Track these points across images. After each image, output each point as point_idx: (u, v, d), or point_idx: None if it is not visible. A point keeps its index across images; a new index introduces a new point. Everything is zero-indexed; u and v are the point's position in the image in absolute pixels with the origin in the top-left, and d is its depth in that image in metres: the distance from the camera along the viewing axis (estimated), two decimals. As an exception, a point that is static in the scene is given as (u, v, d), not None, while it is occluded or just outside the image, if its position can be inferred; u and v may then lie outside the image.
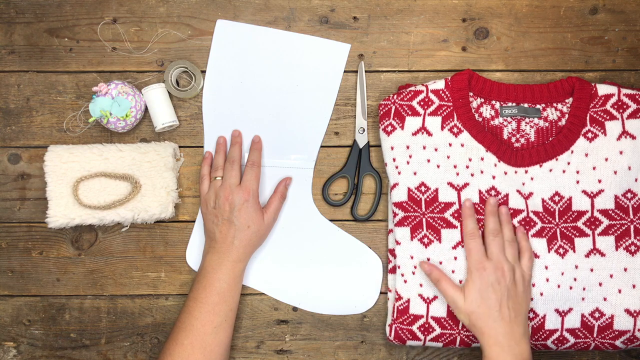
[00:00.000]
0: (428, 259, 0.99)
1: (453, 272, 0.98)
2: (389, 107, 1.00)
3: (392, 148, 1.00)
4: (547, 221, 0.98)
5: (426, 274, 0.98)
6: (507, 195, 0.98)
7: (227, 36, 1.04)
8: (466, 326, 0.95)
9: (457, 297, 0.94)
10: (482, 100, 1.00)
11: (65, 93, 1.04)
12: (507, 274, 0.93)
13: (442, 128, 0.99)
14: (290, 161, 1.04)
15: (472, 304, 0.93)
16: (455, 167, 0.99)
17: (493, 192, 0.98)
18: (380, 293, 1.03)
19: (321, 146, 1.04)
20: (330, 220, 1.04)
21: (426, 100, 1.00)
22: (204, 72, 1.04)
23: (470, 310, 0.93)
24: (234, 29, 1.04)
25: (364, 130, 1.03)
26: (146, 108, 1.03)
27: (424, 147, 0.99)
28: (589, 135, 0.98)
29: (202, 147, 1.04)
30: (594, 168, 0.97)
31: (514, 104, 1.00)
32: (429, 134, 0.99)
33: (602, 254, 0.97)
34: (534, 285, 0.97)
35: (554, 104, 1.00)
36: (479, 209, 0.98)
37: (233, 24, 1.04)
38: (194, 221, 1.04)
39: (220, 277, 0.96)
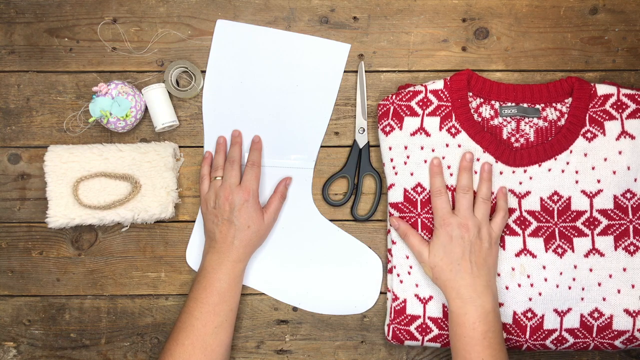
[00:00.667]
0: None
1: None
2: (387, 107, 1.00)
3: (390, 148, 1.00)
4: (544, 220, 0.98)
5: (394, 229, 0.99)
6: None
7: (227, 36, 1.04)
8: (431, 280, 0.96)
9: (422, 250, 0.96)
10: (482, 100, 1.00)
11: (65, 93, 1.04)
12: (472, 229, 0.93)
13: (441, 128, 0.99)
14: (290, 161, 1.04)
15: (435, 257, 0.94)
16: (449, 167, 0.99)
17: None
18: (380, 293, 1.03)
19: (321, 146, 1.04)
20: (330, 220, 1.04)
21: (425, 100, 1.00)
22: (204, 72, 1.04)
23: (434, 264, 0.94)
24: (234, 29, 1.04)
25: (364, 130, 1.03)
26: (146, 108, 1.03)
27: (422, 148, 0.99)
28: (588, 135, 0.98)
29: (202, 147, 1.04)
30: (593, 168, 0.97)
31: (513, 104, 1.00)
32: (427, 134, 0.99)
33: (601, 254, 0.97)
34: (532, 285, 0.97)
35: (554, 104, 1.00)
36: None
37: (233, 24, 1.04)
38: (194, 221, 1.04)
39: (221, 277, 0.96)
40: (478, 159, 0.98)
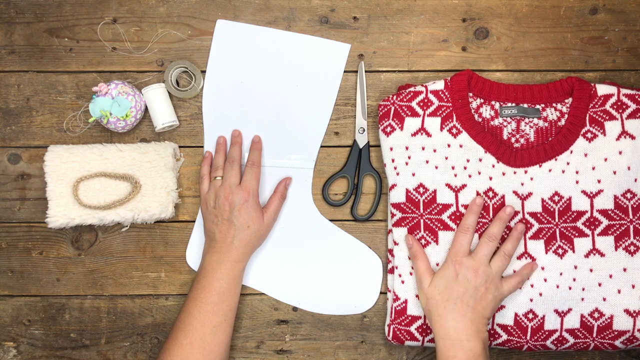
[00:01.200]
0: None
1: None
2: (388, 107, 1.00)
3: (391, 149, 1.00)
4: (545, 221, 0.98)
5: (407, 247, 0.98)
6: (503, 197, 0.98)
7: (227, 36, 1.04)
8: (423, 311, 0.96)
9: (424, 278, 0.95)
10: (482, 100, 1.00)
11: (65, 93, 1.04)
12: (481, 276, 0.92)
13: (442, 129, 0.99)
14: (290, 161, 1.04)
15: (434, 288, 0.93)
16: (453, 168, 0.99)
17: (490, 194, 0.98)
18: (380, 293, 1.03)
19: (321, 146, 1.04)
20: (330, 220, 1.04)
21: (425, 101, 1.00)
22: (204, 72, 1.04)
23: (431, 295, 0.93)
24: (234, 29, 1.04)
25: (364, 130, 1.03)
26: (146, 108, 1.03)
27: (423, 148, 0.99)
28: (589, 135, 0.98)
29: (202, 147, 1.04)
30: (593, 168, 0.97)
31: (513, 104, 1.00)
32: (428, 134, 0.99)
33: (602, 254, 0.97)
34: (532, 286, 0.97)
35: (554, 104, 1.00)
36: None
37: (233, 24, 1.04)
38: (194, 221, 1.04)
39: (220, 277, 0.96)
40: (480, 159, 0.98)
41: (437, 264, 0.98)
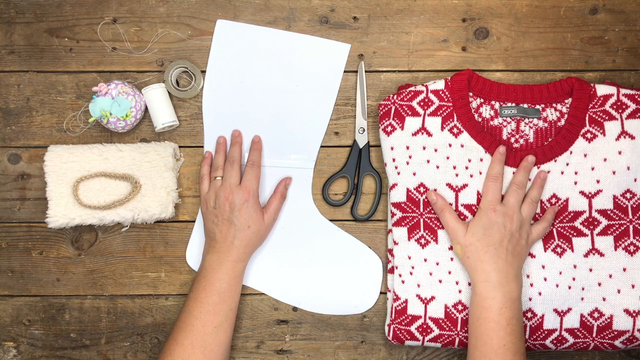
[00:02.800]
0: (425, 260, 0.99)
1: (450, 272, 0.98)
2: (388, 107, 1.00)
3: (391, 148, 1.00)
4: (544, 221, 0.98)
5: (431, 203, 0.98)
6: (503, 197, 0.98)
7: (227, 36, 1.04)
8: (459, 259, 0.97)
9: (458, 228, 0.96)
10: (482, 100, 1.00)
11: (65, 93, 1.04)
12: (515, 222, 0.94)
13: (442, 128, 0.99)
14: (290, 161, 1.04)
15: (473, 236, 0.94)
16: (454, 168, 0.99)
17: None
18: (380, 293, 1.03)
19: (321, 146, 1.04)
20: (330, 220, 1.04)
21: (426, 100, 1.00)
22: (204, 72, 1.04)
23: (469, 242, 0.94)
24: (234, 29, 1.04)
25: (364, 130, 1.03)
26: (146, 108, 1.03)
27: (424, 148, 0.99)
28: (588, 135, 0.98)
29: (202, 147, 1.04)
30: (592, 168, 0.97)
31: (513, 104, 1.00)
32: (429, 134, 0.99)
33: (601, 254, 0.97)
34: (532, 285, 0.97)
35: (554, 105, 1.00)
36: (476, 210, 0.98)
37: (233, 24, 1.04)
38: (194, 221, 1.04)
39: (221, 277, 0.96)
40: (482, 159, 0.98)
41: (437, 264, 0.98)
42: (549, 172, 0.98)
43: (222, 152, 1.03)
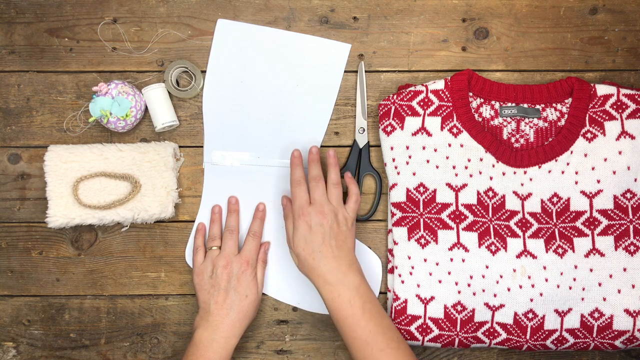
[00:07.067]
0: (425, 260, 0.99)
1: (449, 273, 0.98)
2: (388, 107, 1.00)
3: (391, 148, 1.00)
4: (544, 222, 0.98)
5: (282, 205, 1.00)
6: (503, 197, 0.98)
7: (227, 36, 1.04)
8: (298, 268, 0.98)
9: (290, 240, 0.97)
10: (482, 100, 1.00)
11: (65, 93, 1.04)
12: (328, 215, 0.94)
13: (442, 128, 0.99)
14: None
15: (297, 247, 0.95)
16: (454, 167, 0.99)
17: (490, 194, 0.98)
18: (380, 293, 1.03)
19: (321, 146, 1.04)
20: (330, 220, 1.04)
21: (426, 100, 1.00)
22: (204, 72, 1.04)
23: (298, 253, 0.95)
24: (235, 28, 1.04)
25: (364, 130, 1.03)
26: (146, 108, 1.03)
27: (424, 148, 0.99)
28: (588, 135, 0.98)
29: (202, 147, 1.04)
30: (592, 168, 0.97)
31: (513, 104, 1.00)
32: (429, 134, 0.99)
33: (602, 254, 0.97)
34: (533, 286, 0.97)
35: (554, 104, 1.00)
36: (475, 210, 0.98)
37: (233, 24, 1.04)
38: (193, 221, 1.04)
39: (211, 357, 0.94)
40: (481, 159, 0.98)
41: (437, 264, 0.98)
42: (549, 171, 0.98)
43: (218, 222, 1.02)
